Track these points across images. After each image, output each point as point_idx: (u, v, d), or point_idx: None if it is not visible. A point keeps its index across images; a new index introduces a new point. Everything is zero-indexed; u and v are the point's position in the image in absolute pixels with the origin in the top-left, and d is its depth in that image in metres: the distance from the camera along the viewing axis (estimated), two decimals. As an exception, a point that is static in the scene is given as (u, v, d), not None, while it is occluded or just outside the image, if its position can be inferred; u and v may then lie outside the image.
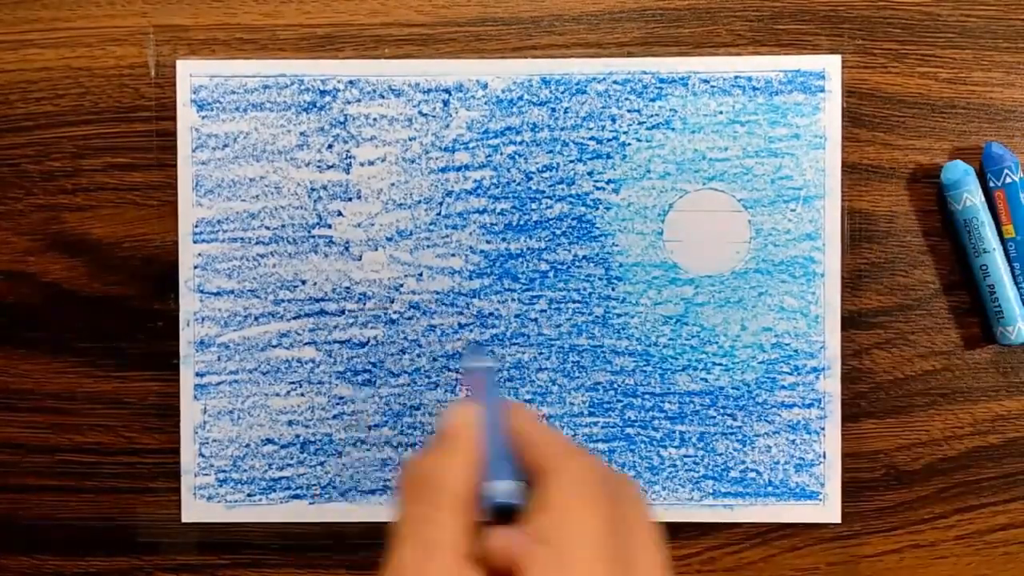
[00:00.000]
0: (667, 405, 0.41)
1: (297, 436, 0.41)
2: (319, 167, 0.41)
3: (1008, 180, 0.40)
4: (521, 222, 0.41)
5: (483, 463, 0.27)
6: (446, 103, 0.41)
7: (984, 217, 0.40)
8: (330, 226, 0.41)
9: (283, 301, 0.41)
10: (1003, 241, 0.40)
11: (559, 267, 0.41)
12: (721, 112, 0.41)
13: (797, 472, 0.41)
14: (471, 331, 0.41)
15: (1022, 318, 0.40)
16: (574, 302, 0.41)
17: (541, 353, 0.41)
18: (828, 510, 0.41)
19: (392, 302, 0.41)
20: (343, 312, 0.41)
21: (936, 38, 0.41)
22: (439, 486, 0.27)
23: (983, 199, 0.40)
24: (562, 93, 0.41)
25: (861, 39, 0.41)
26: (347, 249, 0.41)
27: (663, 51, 0.41)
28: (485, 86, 0.41)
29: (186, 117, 0.41)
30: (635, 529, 0.27)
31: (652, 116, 0.41)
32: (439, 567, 0.25)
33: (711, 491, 0.41)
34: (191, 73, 0.41)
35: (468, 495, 0.27)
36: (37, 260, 0.41)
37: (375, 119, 0.41)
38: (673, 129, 0.41)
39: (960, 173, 0.40)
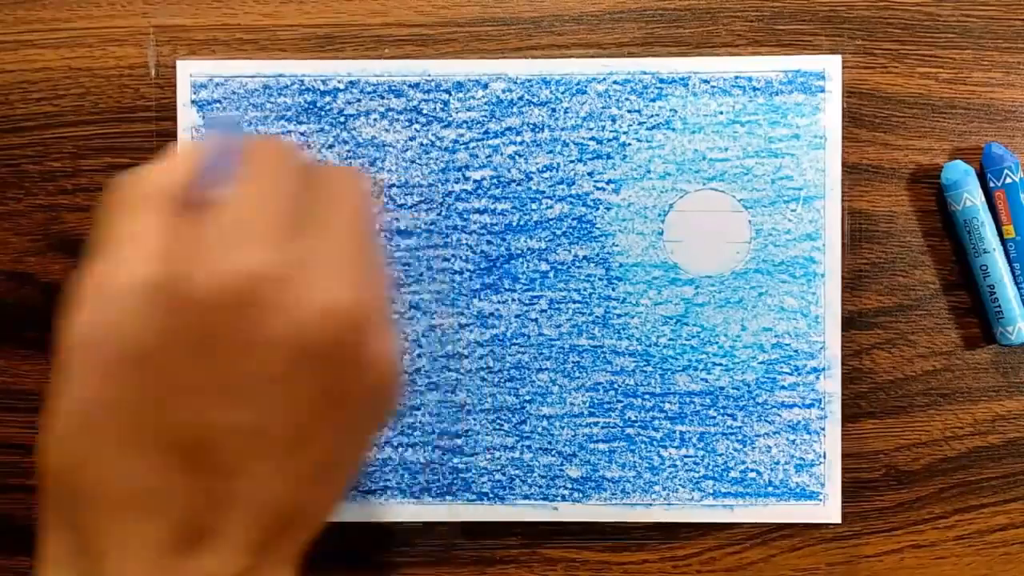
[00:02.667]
0: (667, 405, 0.41)
1: (297, 436, 0.41)
2: (319, 167, 0.41)
3: (1008, 180, 0.40)
4: (521, 222, 0.41)
5: (195, 176, 0.27)
6: (446, 103, 0.41)
7: (984, 217, 0.40)
8: (330, 226, 0.41)
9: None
10: (1003, 241, 0.40)
11: (559, 267, 0.41)
12: (721, 112, 0.41)
13: (797, 472, 0.41)
14: (471, 331, 0.41)
15: (1022, 318, 0.40)
16: (574, 302, 0.41)
17: (541, 353, 0.41)
18: (828, 510, 0.41)
19: (392, 302, 0.41)
20: (343, 312, 0.41)
21: (936, 38, 0.41)
22: (134, 194, 0.26)
23: (983, 199, 0.40)
24: (562, 93, 0.41)
25: (861, 39, 0.41)
26: (347, 249, 0.41)
27: (663, 51, 0.41)
28: (485, 86, 0.41)
29: (186, 117, 0.41)
30: (321, 206, 0.27)
31: (652, 116, 0.41)
32: (123, 258, 0.25)
33: (711, 491, 0.41)
34: (191, 73, 0.41)
35: (170, 199, 0.26)
36: (37, 260, 0.42)
37: (375, 119, 0.41)
38: (673, 129, 0.41)
39: (960, 173, 0.40)
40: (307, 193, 0.27)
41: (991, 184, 0.40)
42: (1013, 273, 0.40)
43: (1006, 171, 0.40)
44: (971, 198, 0.40)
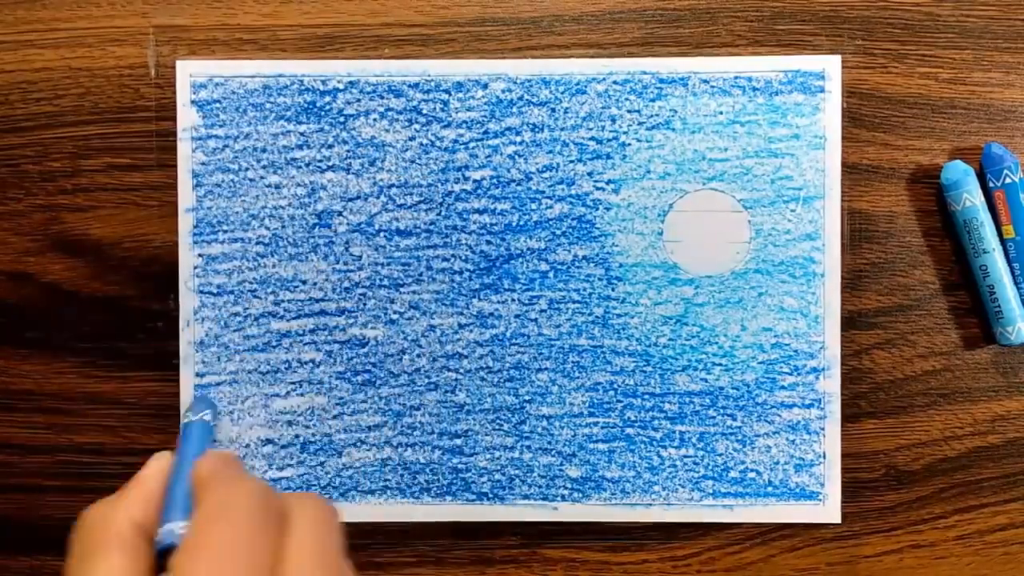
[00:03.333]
0: (667, 405, 0.41)
1: (297, 436, 0.41)
2: (319, 167, 0.41)
3: (1008, 180, 0.40)
4: (521, 222, 0.41)
5: (161, 507, 0.28)
6: (446, 103, 0.41)
7: (984, 217, 0.40)
8: (330, 226, 0.41)
9: (283, 301, 0.41)
10: (1003, 241, 0.40)
11: (559, 267, 0.41)
12: (721, 112, 0.41)
13: (797, 472, 0.41)
14: (471, 331, 0.41)
15: (1022, 318, 0.40)
16: (574, 302, 0.41)
17: (541, 353, 0.41)
18: (828, 510, 0.41)
19: (392, 302, 0.41)
20: (343, 312, 0.41)
21: (936, 38, 0.41)
22: (103, 530, 0.27)
23: (983, 199, 0.40)
24: (562, 93, 0.41)
25: (861, 39, 0.41)
26: (347, 249, 0.41)
27: (663, 51, 0.41)
28: (485, 86, 0.41)
29: (186, 117, 0.41)
30: (292, 554, 0.26)
31: (652, 116, 0.41)
32: None
33: (711, 491, 0.41)
34: (191, 73, 0.41)
35: (135, 537, 0.27)
36: (37, 260, 0.42)
37: (375, 119, 0.41)
38: (673, 129, 0.41)
39: (960, 173, 0.40)
40: (279, 537, 0.27)
41: (991, 184, 0.40)
42: (1013, 273, 0.40)
43: (1006, 171, 0.40)
44: (971, 198, 0.40)
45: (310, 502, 0.28)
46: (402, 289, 0.41)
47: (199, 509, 0.27)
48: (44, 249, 0.41)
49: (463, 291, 0.41)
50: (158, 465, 0.29)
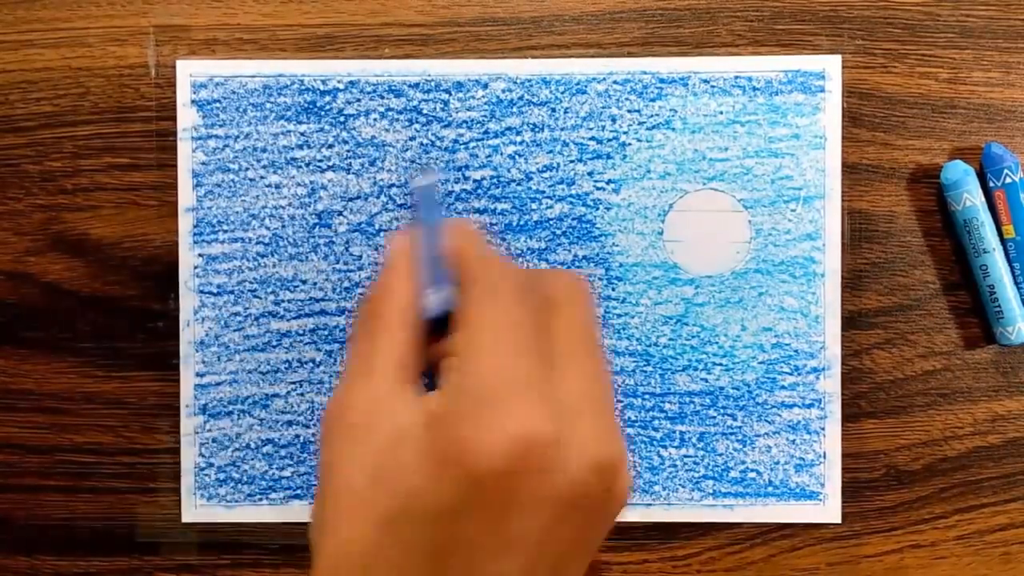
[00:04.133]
0: (667, 405, 0.41)
1: (297, 436, 0.41)
2: (319, 167, 0.41)
3: (1008, 180, 0.40)
4: (521, 222, 0.41)
5: (419, 281, 0.28)
6: (446, 103, 0.41)
7: (984, 217, 0.40)
8: (330, 226, 0.41)
9: (283, 301, 0.41)
10: (1003, 241, 0.40)
11: (559, 267, 0.41)
12: (721, 112, 0.41)
13: (797, 472, 0.41)
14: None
15: (1022, 318, 0.40)
16: (574, 302, 0.41)
17: (541, 353, 0.41)
18: (828, 510, 0.41)
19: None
20: (343, 312, 0.41)
21: (936, 38, 0.41)
22: (378, 314, 0.27)
23: (983, 199, 0.40)
24: (562, 93, 0.41)
25: (861, 39, 0.41)
26: (347, 249, 0.41)
27: (663, 51, 0.41)
28: (485, 86, 0.41)
29: (186, 117, 0.41)
30: (561, 331, 0.27)
31: (652, 116, 0.41)
32: (377, 388, 0.26)
33: (711, 491, 0.41)
34: (191, 73, 0.41)
35: (407, 314, 0.27)
36: (37, 260, 0.41)
37: (375, 119, 0.41)
38: (673, 129, 0.41)
39: (960, 173, 0.40)
40: (540, 312, 0.27)
41: (991, 184, 0.40)
42: (1013, 273, 0.40)
43: (1006, 171, 0.40)
44: (971, 198, 0.40)
45: (568, 280, 0.29)
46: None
47: (469, 293, 0.27)
48: (44, 249, 0.41)
49: (463, 291, 0.41)
50: (400, 244, 0.29)
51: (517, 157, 0.41)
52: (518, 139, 0.41)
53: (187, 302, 0.41)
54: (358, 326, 0.28)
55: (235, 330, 0.41)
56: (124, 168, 0.41)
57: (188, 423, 0.41)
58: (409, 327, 0.27)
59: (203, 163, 0.41)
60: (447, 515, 0.25)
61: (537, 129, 0.41)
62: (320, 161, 0.41)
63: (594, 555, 0.30)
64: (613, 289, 0.41)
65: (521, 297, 0.27)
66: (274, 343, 0.41)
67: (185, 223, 0.41)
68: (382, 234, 0.41)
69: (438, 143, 0.41)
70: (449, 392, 0.26)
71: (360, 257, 0.41)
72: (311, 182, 0.41)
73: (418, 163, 0.37)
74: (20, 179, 0.41)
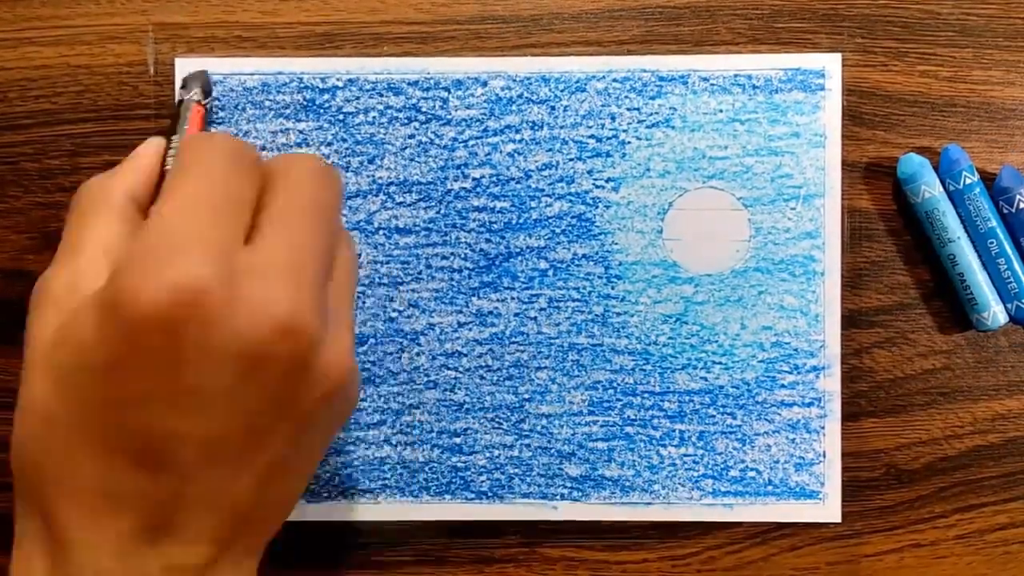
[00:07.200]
0: (666, 404, 0.41)
1: (296, 435, 0.41)
2: (318, 165, 0.41)
3: (968, 182, 0.40)
4: (520, 220, 0.41)
5: (155, 184, 0.29)
6: (445, 101, 0.41)
7: (945, 207, 0.40)
8: (329, 224, 0.41)
9: (282, 299, 0.41)
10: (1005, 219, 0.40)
11: (558, 266, 0.41)
12: (721, 110, 0.41)
13: (797, 471, 0.41)
14: (470, 329, 0.41)
15: (996, 302, 0.40)
16: (573, 301, 0.41)
17: (540, 352, 0.41)
18: (828, 510, 0.41)
19: (391, 300, 0.41)
20: (342, 310, 0.41)
21: (936, 36, 0.41)
22: (99, 199, 0.28)
23: (942, 189, 0.40)
24: (561, 91, 0.41)
25: (861, 37, 0.41)
26: (346, 247, 0.41)
27: (663, 49, 0.41)
28: (484, 84, 0.41)
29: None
30: (275, 203, 0.27)
31: (652, 114, 0.41)
32: (83, 264, 0.27)
33: (711, 490, 0.41)
34: (190, 71, 0.41)
35: (129, 207, 0.28)
36: (36, 259, 0.41)
37: (374, 117, 0.41)
38: (673, 127, 0.41)
39: (916, 166, 0.40)
40: (256, 189, 0.27)
41: (950, 187, 0.40)
42: (981, 259, 0.40)
43: (964, 173, 0.40)
44: (929, 189, 0.40)
45: (298, 157, 0.29)
46: (401, 287, 0.41)
47: (177, 162, 0.27)
48: (43, 247, 0.41)
49: (462, 289, 0.41)
50: (153, 144, 0.30)
51: (516, 155, 0.41)
52: (517, 137, 0.41)
53: (186, 300, 0.41)
54: (76, 204, 0.29)
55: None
56: (123, 166, 0.41)
57: (186, 421, 0.41)
58: (124, 218, 0.28)
59: (202, 161, 0.41)
60: (117, 367, 0.25)
61: (536, 127, 0.41)
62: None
63: (318, 445, 0.30)
64: (612, 288, 0.41)
65: (231, 167, 0.27)
66: (273, 341, 0.41)
67: (184, 221, 0.41)
68: (381, 232, 0.41)
69: (437, 141, 0.41)
70: (127, 249, 0.26)
71: (359, 256, 0.41)
72: (310, 180, 0.41)
73: (190, 83, 0.36)
74: (18, 177, 0.41)
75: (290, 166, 0.28)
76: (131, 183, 0.28)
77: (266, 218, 0.27)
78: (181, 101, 0.31)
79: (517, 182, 0.41)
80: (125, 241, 0.28)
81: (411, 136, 0.41)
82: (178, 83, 0.40)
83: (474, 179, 0.41)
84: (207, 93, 0.32)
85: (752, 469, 0.41)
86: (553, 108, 0.41)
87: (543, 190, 0.41)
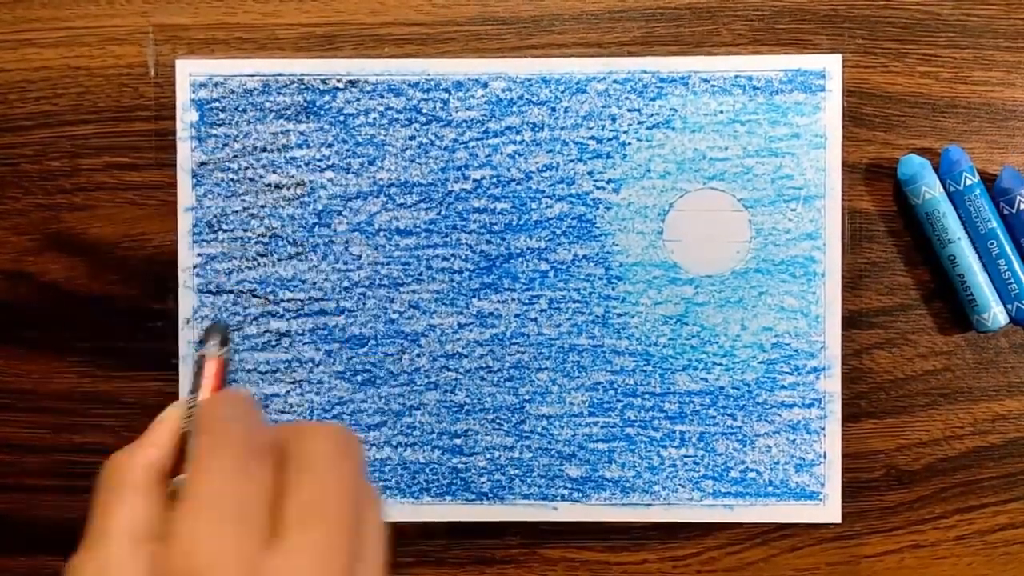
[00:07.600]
0: (667, 405, 0.41)
1: (297, 436, 0.41)
2: (319, 166, 0.41)
3: (968, 183, 0.40)
4: (521, 222, 0.41)
5: (177, 450, 0.29)
6: (446, 102, 0.41)
7: (945, 207, 0.40)
8: (329, 225, 0.41)
9: (283, 301, 0.41)
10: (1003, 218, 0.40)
11: (559, 267, 0.41)
12: (721, 111, 0.41)
13: (797, 472, 0.41)
14: (471, 331, 0.41)
15: (996, 303, 0.40)
16: (574, 302, 0.41)
17: (541, 353, 0.41)
18: (828, 510, 0.41)
19: (392, 301, 0.41)
20: (343, 312, 0.41)
21: (937, 37, 0.41)
22: (120, 477, 0.28)
23: (942, 190, 0.40)
24: (562, 92, 0.41)
25: (861, 38, 0.41)
26: (346, 249, 0.41)
27: (663, 50, 0.41)
28: (485, 85, 0.41)
29: (185, 116, 0.41)
30: (297, 497, 0.26)
31: (652, 115, 0.41)
32: (111, 554, 0.27)
33: (711, 491, 0.41)
34: (190, 72, 0.41)
35: (152, 482, 0.28)
36: (36, 260, 0.41)
37: (375, 118, 0.41)
38: (673, 128, 0.41)
39: (916, 167, 0.40)
40: (272, 475, 0.27)
41: (951, 188, 0.40)
42: (981, 260, 0.40)
43: (964, 174, 0.40)
44: (930, 190, 0.40)
45: (324, 439, 0.28)
46: (402, 288, 0.41)
47: (193, 463, 0.27)
48: (43, 249, 0.41)
49: (463, 290, 0.41)
50: (174, 413, 0.30)
51: (517, 156, 0.41)
52: (518, 138, 0.41)
53: (187, 302, 0.41)
54: (102, 483, 0.28)
55: (235, 330, 0.41)
56: (123, 167, 0.41)
57: (187, 423, 0.41)
58: (146, 497, 0.28)
59: (202, 162, 0.41)
60: None
61: (537, 128, 0.41)
62: (319, 160, 0.41)
63: None
64: (613, 289, 0.41)
65: (248, 463, 0.26)
66: (274, 343, 0.41)
67: (184, 222, 0.41)
68: (382, 234, 0.41)
69: (438, 142, 0.41)
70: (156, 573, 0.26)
71: (359, 257, 0.41)
72: (311, 182, 0.41)
73: (209, 335, 0.37)
74: (19, 178, 0.41)
75: (304, 447, 0.28)
76: (153, 458, 0.28)
77: (289, 514, 0.26)
78: (203, 355, 0.31)
79: (518, 183, 0.41)
80: (150, 523, 0.27)
81: (412, 137, 0.41)
82: (196, 336, 0.41)
83: (475, 180, 0.41)
84: (224, 343, 0.32)
85: (752, 470, 0.41)
86: (553, 109, 0.41)
87: (544, 191, 0.41)
